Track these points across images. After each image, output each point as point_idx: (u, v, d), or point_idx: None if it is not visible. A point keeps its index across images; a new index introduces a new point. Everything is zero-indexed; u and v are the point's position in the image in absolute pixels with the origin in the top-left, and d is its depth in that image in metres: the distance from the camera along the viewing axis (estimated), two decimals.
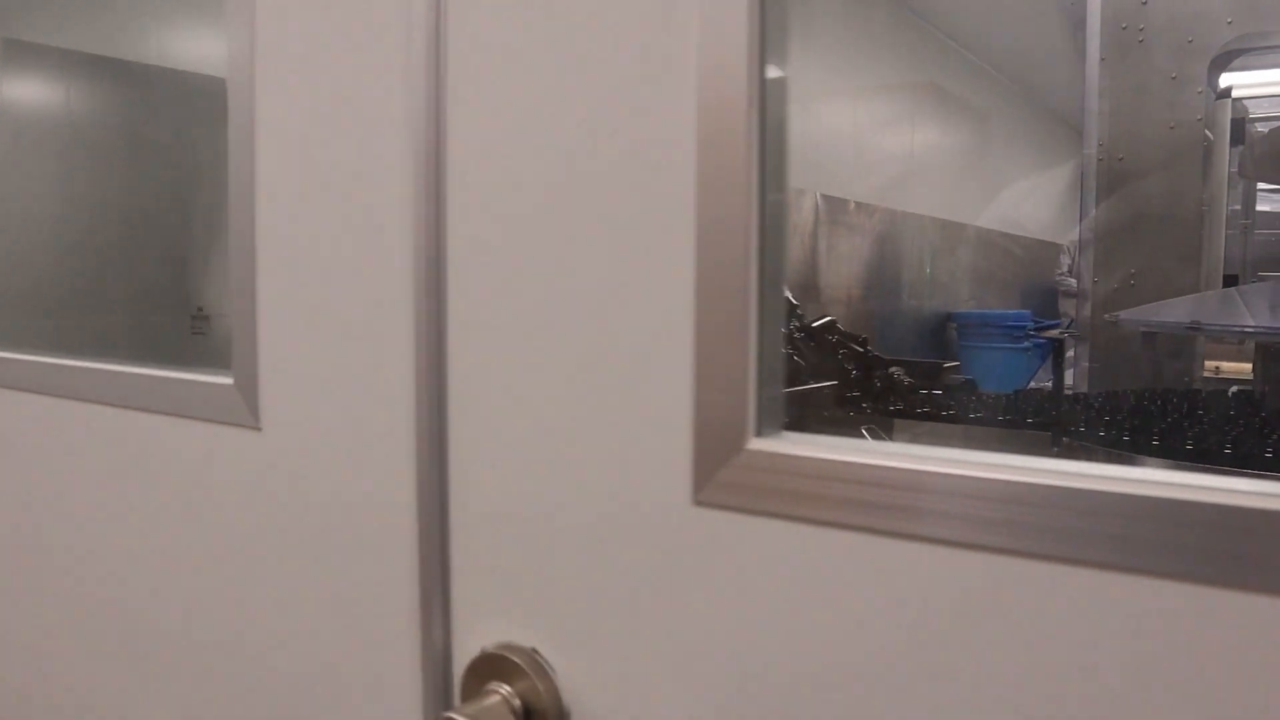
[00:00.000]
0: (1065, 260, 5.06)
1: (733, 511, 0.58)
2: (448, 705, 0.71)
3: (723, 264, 0.57)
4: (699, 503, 0.59)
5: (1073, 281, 4.98)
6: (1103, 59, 2.39)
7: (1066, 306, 4.84)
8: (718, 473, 0.58)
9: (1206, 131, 2.21)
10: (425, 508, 0.71)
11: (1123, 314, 2.01)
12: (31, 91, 1.53)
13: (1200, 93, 2.27)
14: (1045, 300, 5.05)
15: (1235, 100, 2.45)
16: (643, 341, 0.61)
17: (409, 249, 0.70)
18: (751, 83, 0.56)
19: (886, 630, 0.53)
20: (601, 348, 0.62)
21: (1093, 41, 2.39)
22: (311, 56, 0.76)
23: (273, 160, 0.79)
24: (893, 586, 0.53)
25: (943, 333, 4.41)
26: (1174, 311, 1.92)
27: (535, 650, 0.66)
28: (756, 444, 0.57)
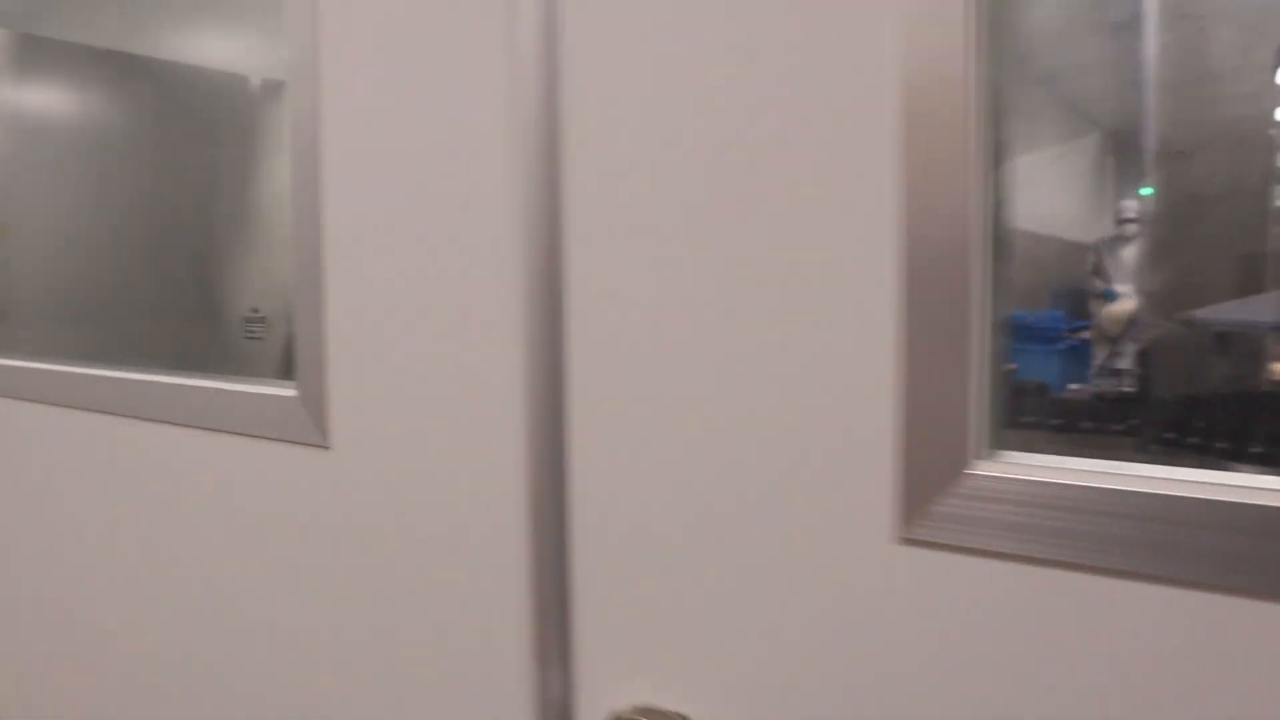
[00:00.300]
0: (1091, 259, 4.94)
1: (950, 551, 0.47)
2: None
3: (940, 243, 0.46)
4: (907, 540, 0.48)
5: (1100, 283, 4.88)
6: (1161, 48, 2.29)
7: (1096, 307, 4.72)
8: (931, 503, 0.47)
9: (1270, 132, 2.10)
10: (539, 542, 0.60)
11: (1199, 312, 1.91)
12: (61, 91, 1.43)
13: (1267, 83, 2.16)
14: (1073, 301, 4.94)
15: None
16: (831, 341, 0.50)
17: (517, 242, 0.59)
18: (969, 22, 0.46)
19: (1169, 699, 0.42)
20: (775, 352, 0.51)
21: (1150, 30, 2.29)
22: (386, 42, 0.65)
23: (341, 153, 0.68)
24: (1171, 643, 0.42)
25: None
26: (1253, 310, 1.82)
27: (684, 716, 0.55)
28: (981, 468, 0.46)
